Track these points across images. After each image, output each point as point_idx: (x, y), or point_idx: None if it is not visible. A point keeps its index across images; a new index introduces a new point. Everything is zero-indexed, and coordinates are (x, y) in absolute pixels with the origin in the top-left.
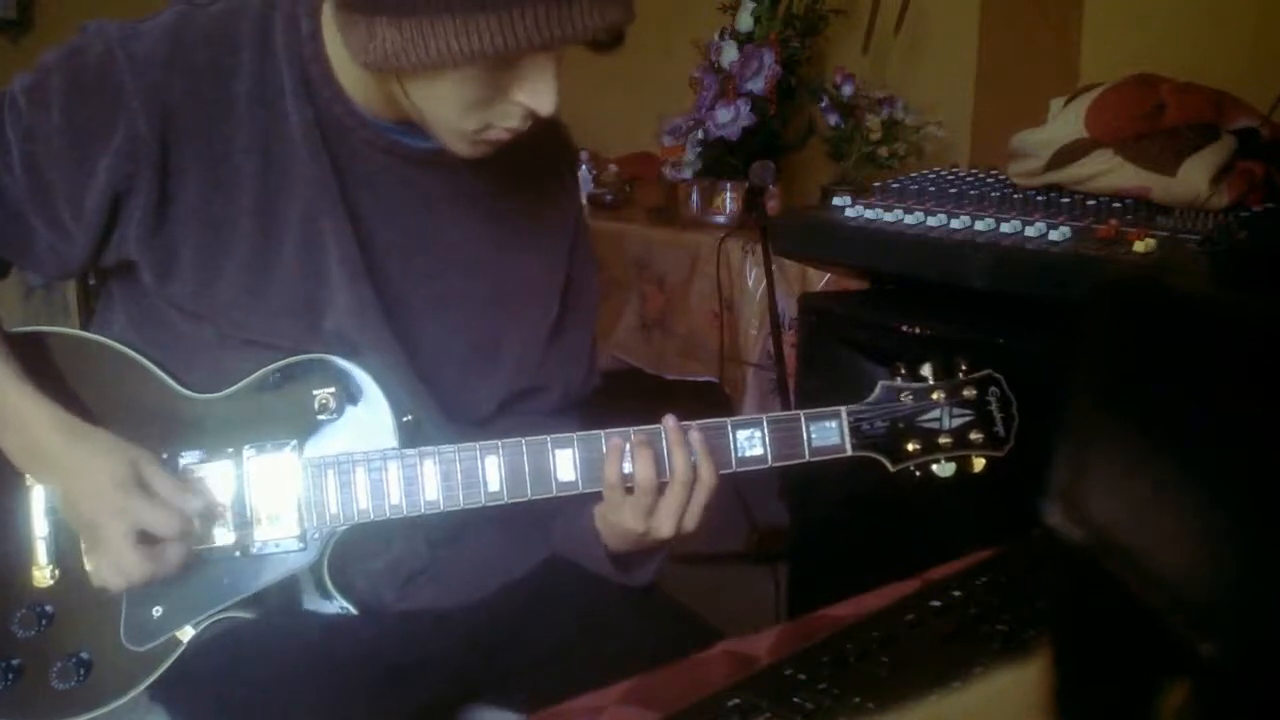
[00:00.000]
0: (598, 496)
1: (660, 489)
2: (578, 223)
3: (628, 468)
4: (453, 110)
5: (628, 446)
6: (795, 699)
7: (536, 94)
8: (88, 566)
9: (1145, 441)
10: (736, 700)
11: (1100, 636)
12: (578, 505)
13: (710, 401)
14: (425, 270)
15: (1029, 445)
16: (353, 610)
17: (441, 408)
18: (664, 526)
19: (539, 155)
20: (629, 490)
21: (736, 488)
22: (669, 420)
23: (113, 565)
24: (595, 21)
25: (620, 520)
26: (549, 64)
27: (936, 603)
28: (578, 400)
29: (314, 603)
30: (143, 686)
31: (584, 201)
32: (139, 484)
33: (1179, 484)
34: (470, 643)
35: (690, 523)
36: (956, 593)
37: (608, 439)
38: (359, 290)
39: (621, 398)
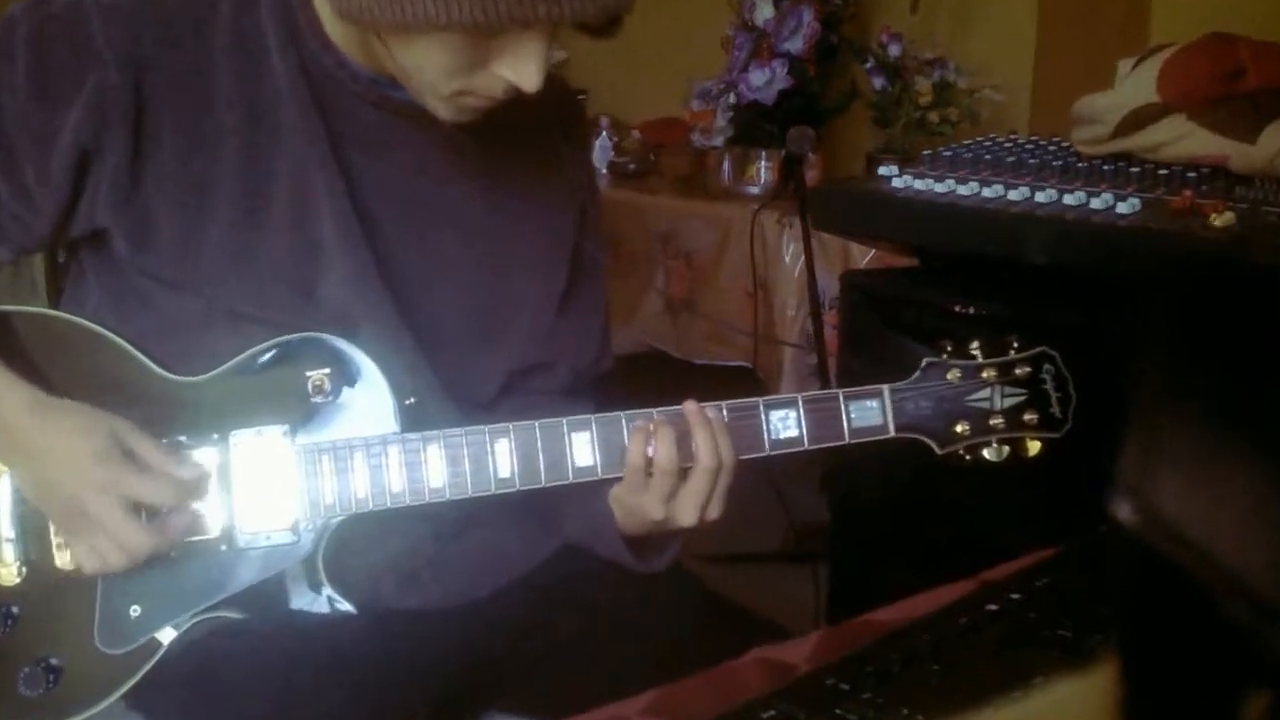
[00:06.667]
0: (615, 480)
1: (683, 474)
2: (588, 190)
3: (651, 451)
4: (431, 73)
5: (652, 429)
6: (836, 710)
7: (519, 69)
8: (59, 561)
9: (1222, 430)
10: (772, 712)
11: (1173, 643)
12: (591, 487)
13: (743, 388)
14: (421, 234)
15: (1095, 433)
16: (350, 608)
17: (443, 385)
18: (685, 514)
19: (542, 117)
20: (650, 474)
21: (773, 481)
22: (689, 405)
23: (111, 543)
24: (584, 4)
25: (639, 504)
26: (536, 39)
27: (992, 606)
28: (589, 380)
29: (308, 600)
30: (119, 693)
31: (604, 170)
32: (124, 455)
33: (1259, 475)
34: (478, 644)
35: (714, 511)
36: (1014, 595)
37: (630, 420)
38: (355, 253)
39: (645, 384)
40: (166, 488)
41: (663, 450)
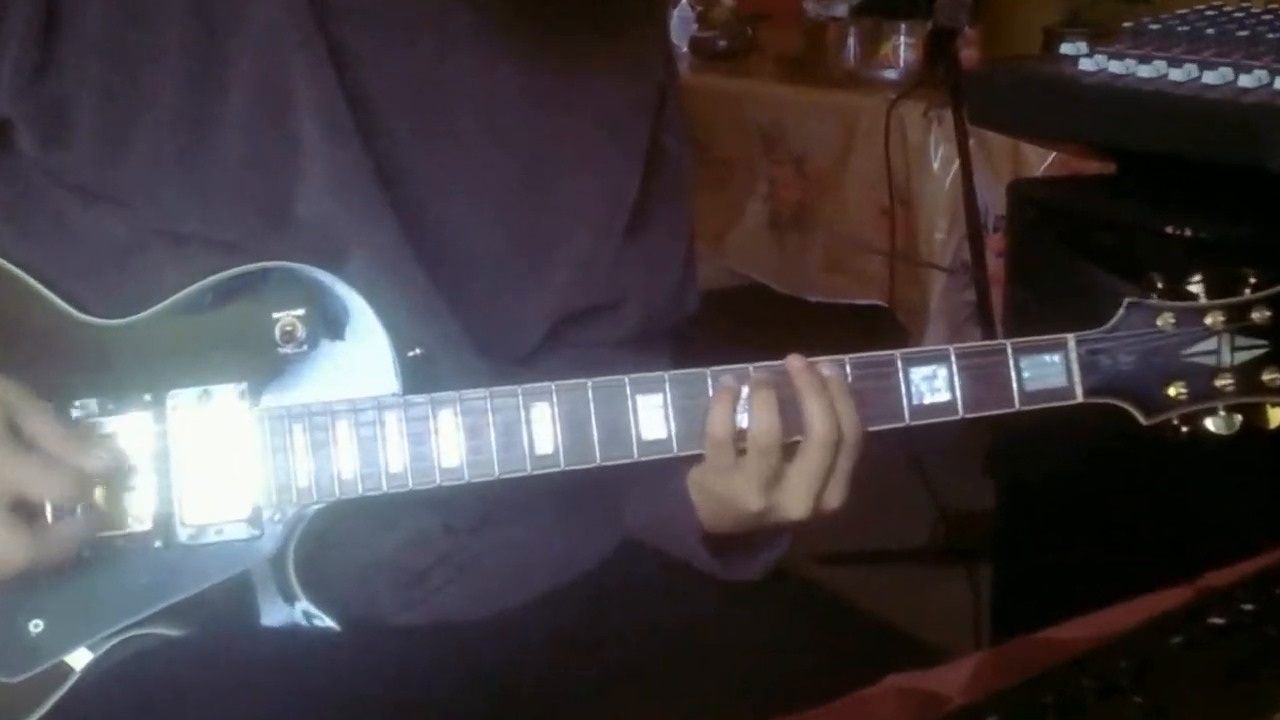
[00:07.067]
0: (696, 458)
1: (788, 451)
2: (666, 73)
3: (743, 420)
4: None
5: (745, 390)
6: None
7: None
8: None
9: None
10: None
11: None
12: (664, 468)
13: (875, 334)
14: (436, 130)
15: None
16: (332, 625)
17: (463, 333)
18: (795, 504)
19: None
20: (743, 451)
21: (917, 460)
22: (794, 360)
23: None
24: None
25: (729, 492)
26: None
27: (1217, 620)
28: (666, 327)
29: (275, 614)
30: None
31: (684, 49)
32: (9, 432)
33: None
34: (505, 670)
35: (832, 498)
36: (1247, 606)
37: (716, 378)
38: (343, 154)
39: (739, 331)
40: (61, 481)
41: (761, 419)
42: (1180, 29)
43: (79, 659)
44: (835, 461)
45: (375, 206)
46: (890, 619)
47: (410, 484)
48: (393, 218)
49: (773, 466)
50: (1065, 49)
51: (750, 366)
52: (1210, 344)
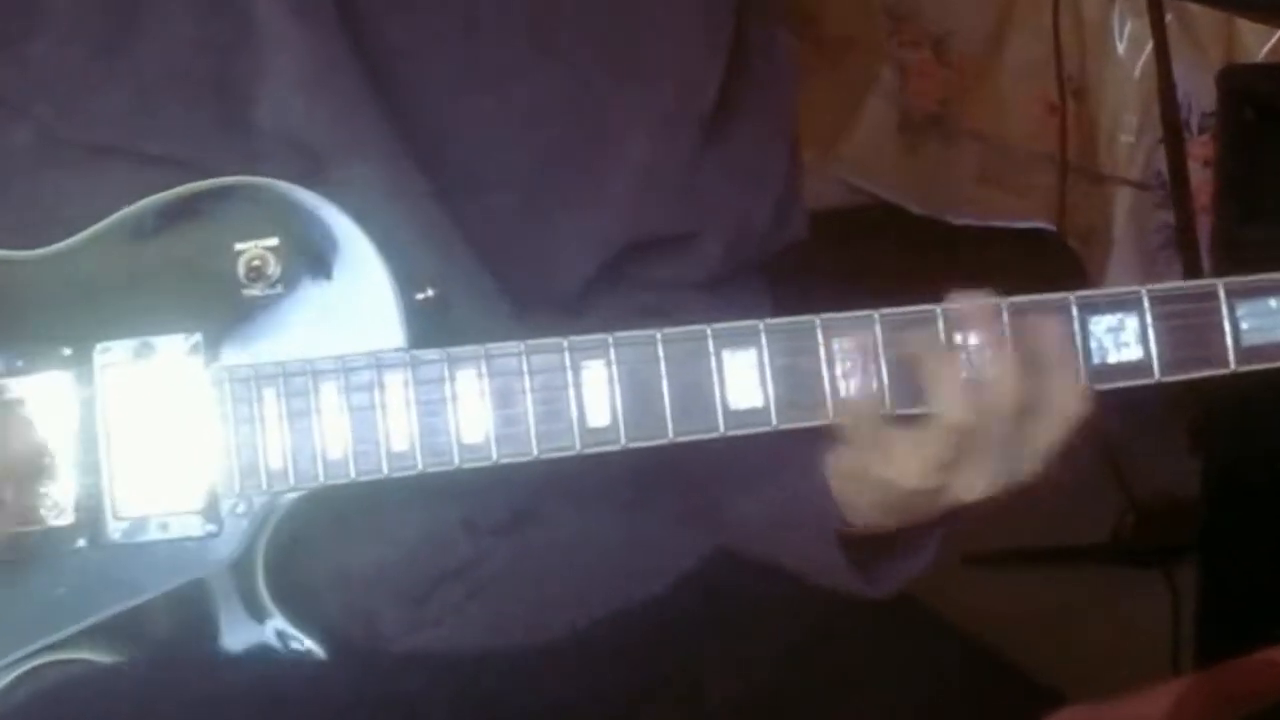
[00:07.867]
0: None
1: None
2: None
3: (860, 380)
4: None
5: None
6: None
7: None
8: None
9: None
10: None
11: None
12: (769, 450)
13: (1040, 269)
14: (455, 19)
15: None
16: (314, 649)
17: (488, 270)
18: (973, 481)
19: None
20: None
21: (1098, 427)
22: (963, 297)
23: None
24: None
25: (887, 475)
26: None
27: None
28: (759, 261)
29: (239, 636)
30: None
31: None
32: None
33: None
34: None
35: (1017, 475)
36: None
37: (828, 329)
38: (319, 42)
39: (860, 261)
40: None
41: (946, 392)
42: None
43: None
44: (1024, 432)
45: (362, 110)
46: (1064, 637)
47: (420, 465)
48: (386, 124)
49: (958, 448)
50: None
51: (875, 314)
52: None
